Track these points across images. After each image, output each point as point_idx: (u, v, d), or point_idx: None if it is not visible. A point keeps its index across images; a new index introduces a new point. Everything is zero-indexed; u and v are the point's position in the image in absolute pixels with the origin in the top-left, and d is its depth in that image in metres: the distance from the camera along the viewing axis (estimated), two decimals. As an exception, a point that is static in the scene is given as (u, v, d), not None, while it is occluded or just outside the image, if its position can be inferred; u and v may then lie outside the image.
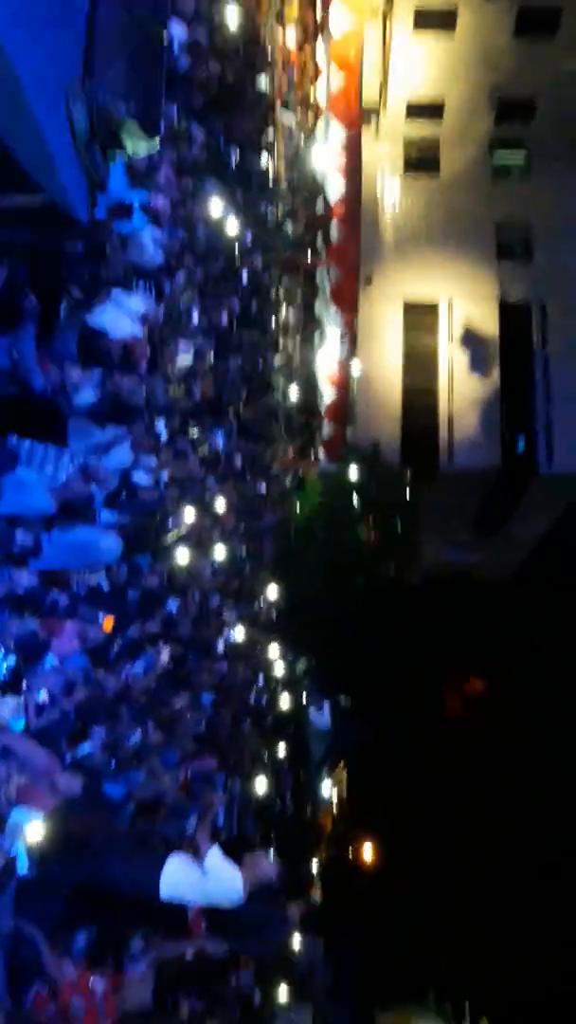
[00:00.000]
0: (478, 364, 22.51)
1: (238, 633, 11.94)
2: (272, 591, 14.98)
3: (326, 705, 17.90)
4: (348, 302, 19.48)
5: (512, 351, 22.67)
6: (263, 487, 14.26)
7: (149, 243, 8.21)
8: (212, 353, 10.66)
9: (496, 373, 22.59)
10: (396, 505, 18.79)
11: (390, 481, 19.42)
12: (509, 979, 19.96)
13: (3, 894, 5.07)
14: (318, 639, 18.33)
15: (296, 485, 19.44)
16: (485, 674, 22.75)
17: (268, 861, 5.33)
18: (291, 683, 17.65)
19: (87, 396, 7.13)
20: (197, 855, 5.30)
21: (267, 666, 15.01)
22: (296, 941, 15.12)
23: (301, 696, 18.88)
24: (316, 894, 20.22)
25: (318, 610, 17.70)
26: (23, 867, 5.10)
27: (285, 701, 16.64)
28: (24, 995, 5.25)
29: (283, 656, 16.18)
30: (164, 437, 8.86)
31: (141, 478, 8.06)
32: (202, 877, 5.14)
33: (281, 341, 16.89)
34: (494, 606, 22.86)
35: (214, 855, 5.19)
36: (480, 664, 22.78)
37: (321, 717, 18.22)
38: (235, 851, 5.64)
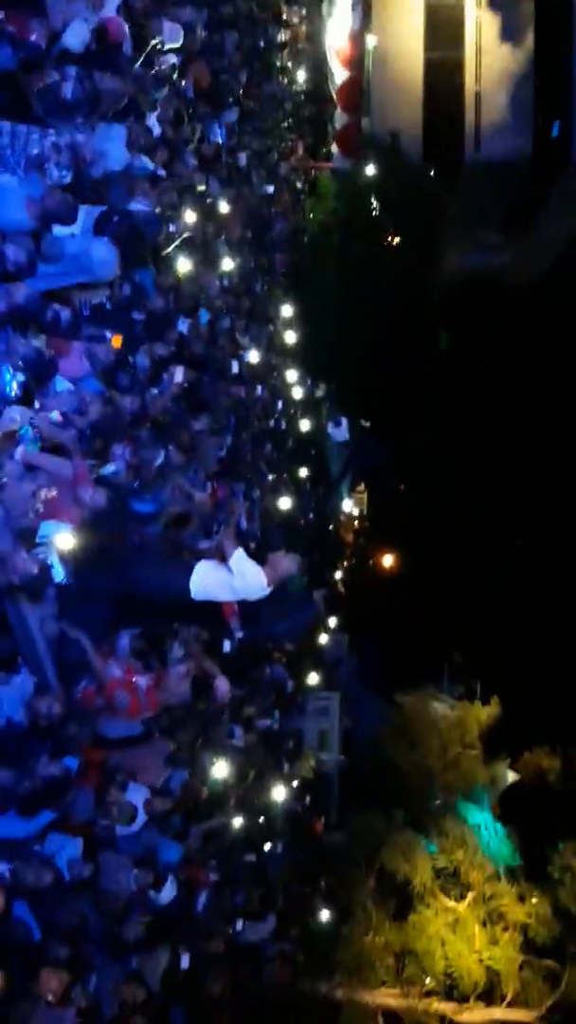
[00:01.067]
0: (510, 30, 19.44)
1: (253, 355, 11.59)
2: (287, 310, 14.35)
3: (344, 421, 17.85)
4: (360, -42, 16.51)
5: (550, 12, 19.51)
6: (271, 190, 13.05)
7: None
8: (203, 28, 9.21)
9: (530, 39, 19.60)
10: (418, 205, 17.13)
11: (411, 177, 17.55)
12: (517, 664, 22.01)
13: (44, 600, 5.30)
14: (337, 360, 17.81)
15: (308, 188, 17.80)
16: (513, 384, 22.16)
17: (289, 559, 5.55)
18: (310, 406, 17.58)
19: (78, 36, 6.14)
20: (223, 559, 5.49)
21: (285, 390, 14.85)
22: (323, 637, 16.59)
23: (321, 419, 18.92)
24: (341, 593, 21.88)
25: (336, 329, 16.95)
26: (59, 575, 5.27)
27: (305, 424, 16.72)
28: (73, 688, 5.71)
29: (301, 379, 15.94)
30: (157, 131, 7.89)
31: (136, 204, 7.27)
32: (229, 576, 5.38)
33: (283, 12, 14.56)
34: (521, 314, 21.88)
35: (239, 556, 5.40)
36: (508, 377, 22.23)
37: (339, 431, 18.26)
38: (259, 554, 5.85)
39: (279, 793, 10.10)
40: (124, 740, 6.74)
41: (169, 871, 6.48)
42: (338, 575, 22.21)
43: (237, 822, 8.49)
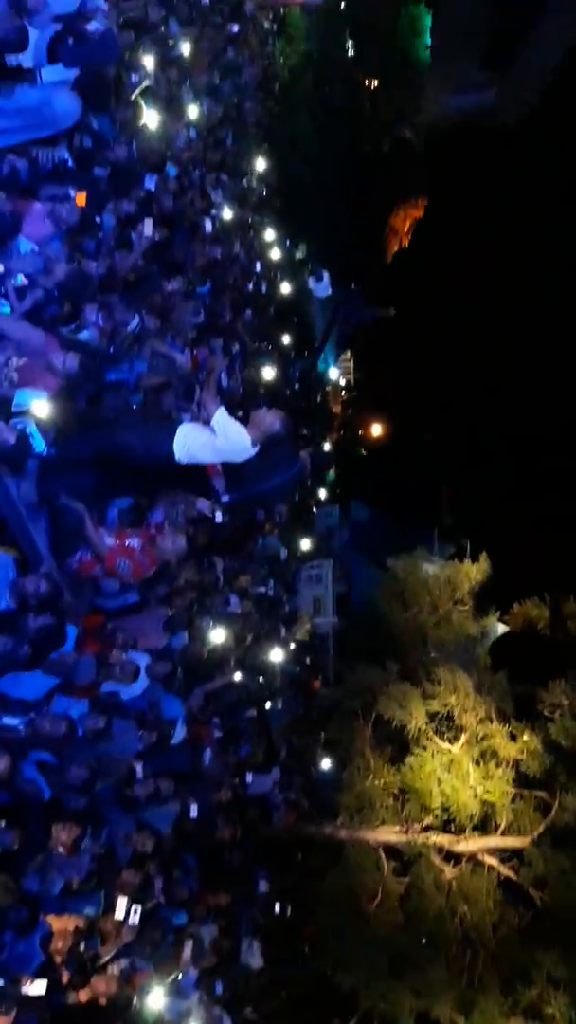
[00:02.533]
0: None
1: (226, 212, 10.96)
2: (260, 163, 13.51)
3: (325, 274, 17.08)
4: None
5: None
6: (236, 29, 12.01)
7: None
8: None
9: None
10: (394, 39, 15.85)
11: (387, 9, 16.15)
12: (504, 520, 22.30)
13: (25, 471, 5.20)
14: (316, 216, 16.92)
15: (277, 28, 16.36)
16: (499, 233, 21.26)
17: (273, 414, 5.41)
18: (290, 268, 16.86)
19: None
20: (206, 421, 5.36)
21: (263, 250, 14.17)
22: (313, 506, 16.64)
23: (302, 283, 18.18)
24: (330, 470, 21.87)
25: (314, 182, 16.01)
26: (39, 445, 5.16)
27: (286, 287, 16.07)
28: (68, 559, 5.70)
29: (279, 239, 15.19)
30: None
31: (91, 25, 6.63)
32: (212, 436, 5.26)
33: None
34: (508, 155, 20.72)
35: (221, 415, 5.25)
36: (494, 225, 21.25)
37: (322, 286, 17.53)
38: (241, 416, 5.72)
39: (277, 655, 10.38)
40: (121, 609, 6.85)
41: (174, 725, 6.71)
42: (327, 446, 22.09)
43: (238, 680, 8.76)
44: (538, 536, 21.08)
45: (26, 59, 6.02)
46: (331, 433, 24.69)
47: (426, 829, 11.36)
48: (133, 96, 7.75)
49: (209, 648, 7.83)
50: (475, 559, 17.11)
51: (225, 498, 5.62)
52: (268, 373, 13.21)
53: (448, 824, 11.45)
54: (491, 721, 11.77)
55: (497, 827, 11.30)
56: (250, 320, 12.95)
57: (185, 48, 9.11)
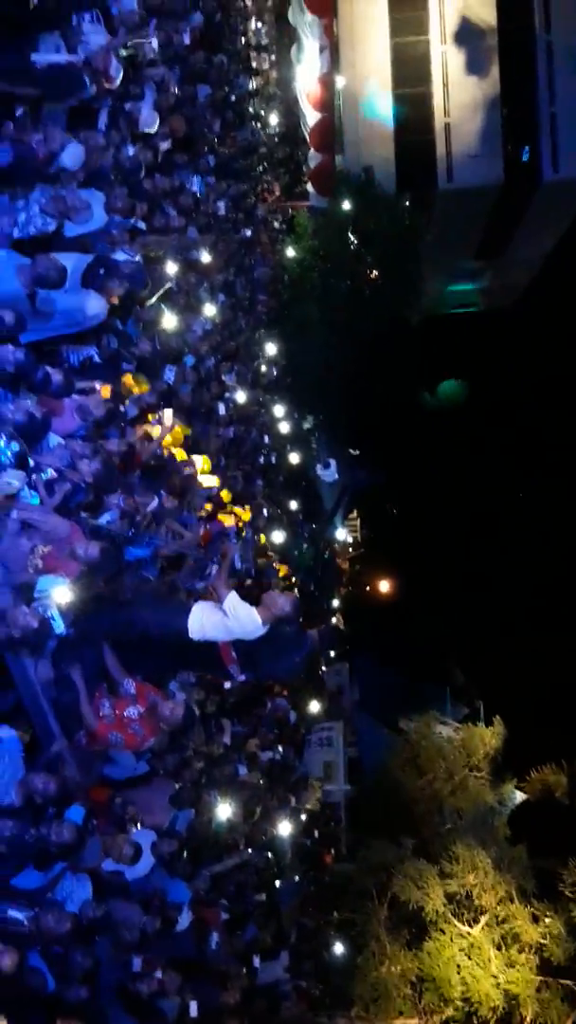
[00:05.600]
0: (475, 62, 20.09)
1: (240, 395, 11.80)
2: (271, 347, 14.61)
3: (332, 463, 18.18)
4: (324, 4, 16.96)
5: (512, 42, 20.17)
6: (249, 233, 13.36)
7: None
8: (175, 83, 9.52)
9: (495, 71, 20.26)
10: (395, 237, 17.53)
11: (387, 210, 17.99)
12: (519, 682, 22.08)
13: (42, 652, 5.43)
14: (323, 392, 18.10)
15: (286, 227, 18.17)
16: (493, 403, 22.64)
17: (283, 596, 5.68)
18: (299, 439, 17.80)
19: (73, 156, 6.55)
20: (218, 599, 5.64)
21: (273, 425, 15.07)
22: (323, 665, 16.66)
23: (310, 450, 19.13)
24: (340, 624, 21.96)
25: (321, 361, 17.26)
26: (59, 627, 5.41)
27: (294, 457, 16.91)
28: (75, 735, 5.81)
29: (288, 414, 16.16)
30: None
31: (120, 254, 7.53)
32: (224, 616, 5.52)
33: (253, 61, 15.00)
34: (500, 334, 22.31)
35: (232, 598, 5.54)
36: (487, 394, 22.67)
37: (329, 472, 18.61)
38: (255, 595, 6.00)
39: (286, 828, 10.13)
40: (127, 781, 6.84)
41: (179, 910, 6.53)
42: (336, 603, 22.29)
43: (246, 860, 8.54)
44: (554, 699, 20.78)
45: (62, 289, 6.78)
46: (339, 590, 24.95)
47: (446, 1022, 10.67)
48: (154, 299, 8.58)
49: (217, 824, 7.72)
50: (489, 721, 16.91)
51: (240, 678, 5.79)
52: (278, 537, 13.67)
53: (470, 1016, 10.76)
54: (512, 901, 11.32)
55: (523, 1020, 10.60)
56: (261, 489, 13.56)
57: (204, 254, 10.13)
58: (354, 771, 18.53)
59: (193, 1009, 6.13)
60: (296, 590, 14.65)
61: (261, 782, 9.98)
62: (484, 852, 11.88)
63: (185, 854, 6.87)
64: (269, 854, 9.57)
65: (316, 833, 13.57)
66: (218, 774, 8.59)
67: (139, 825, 6.48)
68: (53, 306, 6.74)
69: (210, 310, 10.22)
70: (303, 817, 12.23)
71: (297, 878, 10.97)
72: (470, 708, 21.35)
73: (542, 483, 23.07)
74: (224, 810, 7.79)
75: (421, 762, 15.52)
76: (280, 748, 12.01)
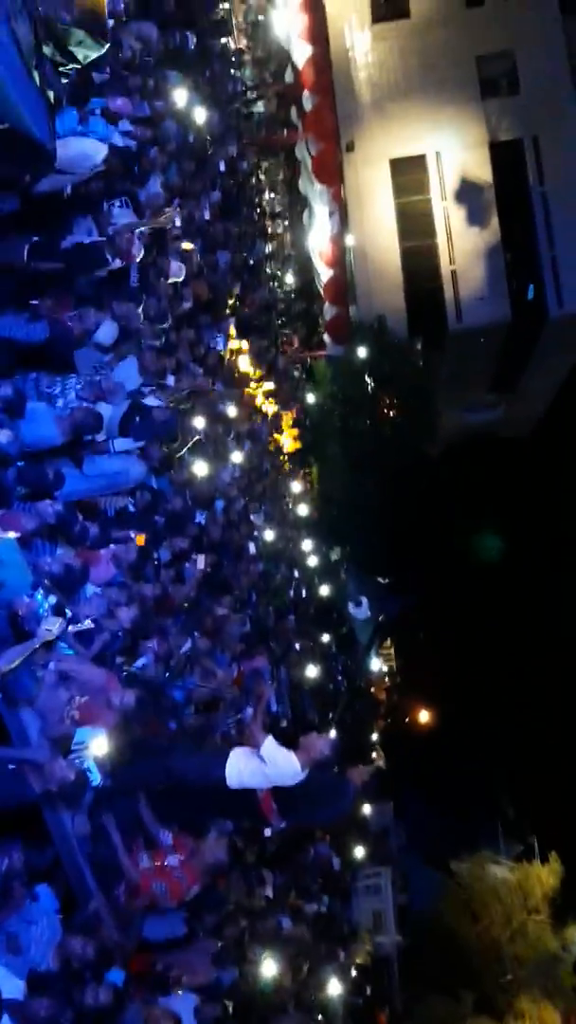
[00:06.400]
0: (475, 215, 21.60)
1: (268, 534, 12.13)
2: (296, 487, 15.09)
3: (364, 600, 18.41)
4: (331, 173, 18.60)
5: (509, 195, 21.70)
6: (272, 385, 14.13)
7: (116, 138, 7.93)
8: (198, 252, 10.41)
9: (495, 221, 21.70)
10: (410, 378, 18.45)
11: (401, 354, 19.02)
12: (573, 814, 21.05)
13: (79, 806, 5.43)
14: (349, 526, 18.51)
15: (306, 375, 19.20)
16: (515, 530, 22.90)
17: (322, 739, 5.67)
18: (327, 571, 18.03)
19: (108, 333, 7.17)
20: (255, 745, 5.64)
21: (302, 559, 15.33)
22: (366, 807, 16.09)
23: (340, 581, 19.31)
24: (380, 760, 21.32)
25: (345, 496, 17.79)
26: (96, 779, 5.44)
27: (324, 589, 17.07)
28: (113, 892, 5.71)
29: (316, 548, 16.47)
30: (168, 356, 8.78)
31: (152, 400, 8.07)
32: (261, 763, 5.50)
33: (268, 227, 16.34)
34: (520, 462, 22.82)
35: (269, 744, 5.53)
36: (509, 520, 22.93)
37: (361, 610, 18.81)
38: (292, 736, 6.00)
39: (336, 985, 9.56)
40: (168, 943, 6.61)
41: None
42: (375, 737, 21.73)
43: (295, 1022, 8.05)
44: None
45: (99, 435, 7.26)
46: (378, 721, 24.35)
47: None
48: (184, 451, 9.05)
49: (262, 984, 7.35)
50: (545, 858, 16.05)
51: (280, 825, 5.70)
52: (312, 671, 13.60)
53: None
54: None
55: None
56: (293, 624, 13.63)
57: (230, 408, 10.73)
58: (405, 919, 17.47)
59: None
60: (333, 726, 14.38)
61: (307, 936, 9.51)
62: (551, 1006, 11.06)
63: (231, 1017, 6.54)
64: (319, 1016, 9.00)
65: (368, 990, 12.71)
66: (261, 929, 8.23)
67: (181, 990, 6.21)
68: (99, 469, 7.19)
69: (237, 457, 10.70)
70: (353, 973, 11.52)
71: (350, 1044, 10.22)
72: (524, 844, 20.30)
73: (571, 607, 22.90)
74: (269, 967, 7.44)
75: (476, 906, 14.73)
76: (325, 898, 11.50)
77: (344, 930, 12.48)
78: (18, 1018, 4.49)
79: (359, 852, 14.69)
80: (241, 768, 5.71)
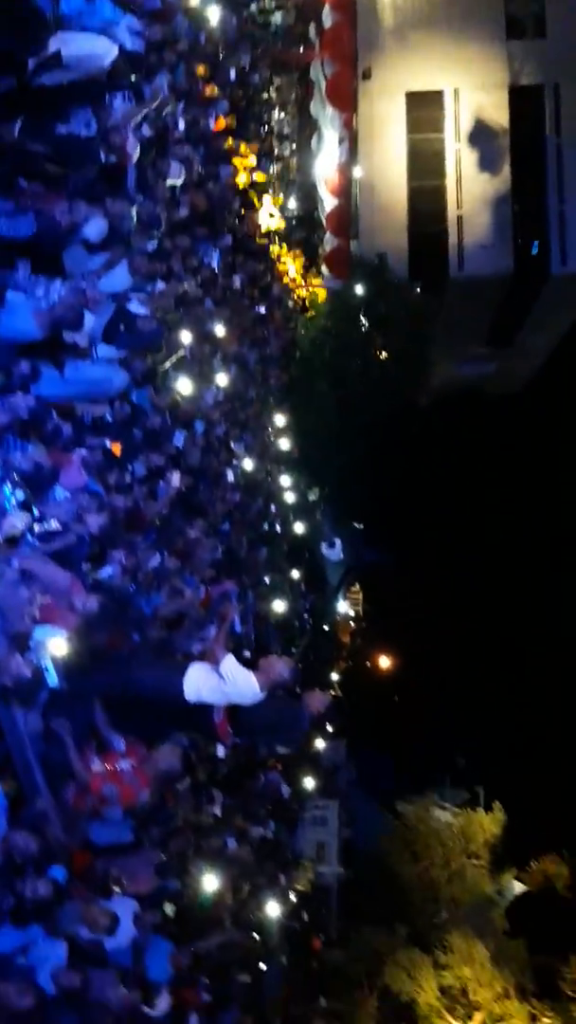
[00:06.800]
0: (488, 160, 21.02)
1: (247, 463, 11.97)
2: (280, 419, 14.87)
3: (338, 542, 18.34)
4: (345, 98, 17.91)
5: (524, 143, 21.12)
6: (264, 309, 13.77)
7: (125, 37, 7.49)
8: (200, 162, 10.00)
9: (507, 169, 21.15)
10: (406, 321, 18.09)
11: (399, 296, 18.61)
12: (521, 769, 21.59)
13: (33, 704, 5.37)
14: (330, 466, 18.35)
15: (300, 307, 18.78)
16: (501, 487, 22.85)
17: (282, 662, 5.63)
18: (304, 510, 17.94)
19: (96, 229, 6.85)
20: (215, 662, 5.58)
21: (280, 494, 15.21)
22: (319, 742, 16.34)
23: (316, 522, 19.25)
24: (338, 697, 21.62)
25: (328, 436, 17.58)
26: (52, 679, 5.36)
27: (299, 527, 17.01)
28: (61, 792, 5.69)
29: (295, 484, 16.34)
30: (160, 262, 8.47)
31: (138, 307, 7.79)
32: (220, 681, 5.45)
33: (275, 148, 15.76)
34: (509, 419, 22.69)
35: (229, 662, 5.49)
36: (496, 480, 22.90)
37: (334, 552, 18.78)
38: (254, 656, 5.96)
39: (275, 908, 9.78)
40: (113, 848, 6.64)
41: (159, 989, 6.25)
42: (335, 676, 21.99)
43: (231, 938, 8.21)
44: (557, 787, 20.25)
45: (81, 339, 7.00)
46: (339, 663, 24.64)
47: None
48: (167, 365, 8.80)
49: (203, 898, 7.46)
50: (489, 807, 16.45)
51: (233, 741, 5.69)
52: (279, 606, 13.61)
53: None
54: (509, 998, 10.84)
55: None
56: (265, 556, 13.58)
57: (219, 326, 10.43)
58: (348, 853, 17.95)
59: None
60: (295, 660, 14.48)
61: (250, 858, 9.68)
62: (481, 944, 11.45)
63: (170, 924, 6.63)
64: (256, 934, 9.21)
65: (306, 916, 13.06)
66: (206, 846, 8.34)
67: (122, 891, 6.26)
68: (81, 375, 6.96)
69: (222, 379, 10.46)
70: (293, 898, 11.80)
71: (284, 962, 10.51)
72: (470, 793, 20.81)
73: (546, 569, 23.08)
74: (210, 883, 7.54)
75: (418, 847, 15.09)
76: (272, 824, 11.69)
77: (287, 856, 12.75)
78: None
79: (309, 784, 14.94)
80: (200, 684, 5.66)
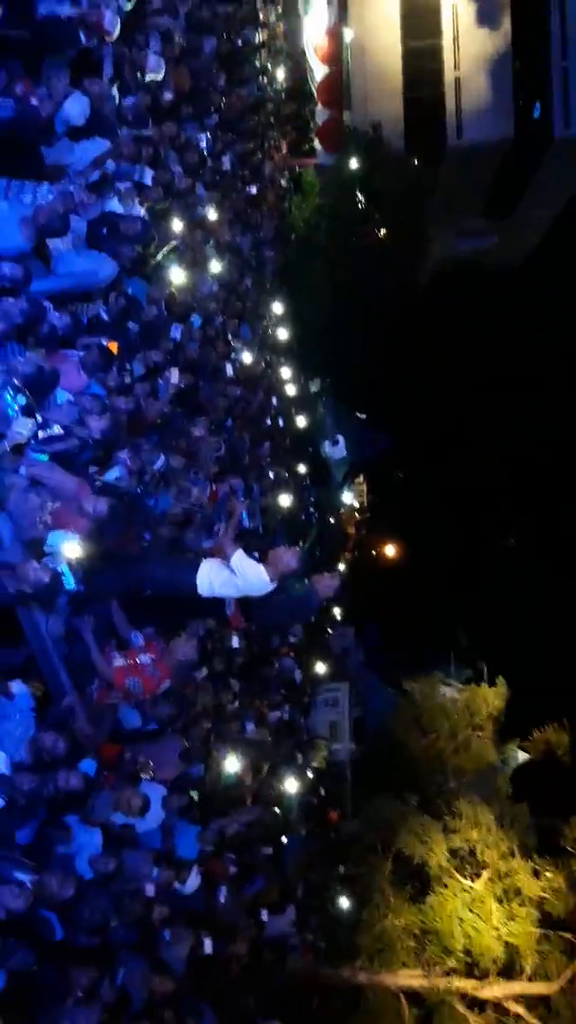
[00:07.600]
0: (486, 15, 19.60)
1: (246, 356, 11.72)
2: (277, 307, 14.46)
3: (341, 439, 18.13)
4: (333, -47, 16.57)
5: (524, -5, 19.67)
6: (255, 190, 13.15)
7: None
8: (180, 33, 9.32)
9: (507, 24, 19.75)
10: (402, 195, 17.25)
11: (395, 167, 17.69)
12: (521, 644, 22.21)
13: (54, 606, 5.47)
14: (330, 353, 17.95)
15: (293, 185, 17.93)
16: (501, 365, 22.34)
17: (290, 552, 5.72)
18: (306, 403, 17.72)
19: (78, 109, 6.52)
20: (225, 557, 5.68)
21: (280, 387, 14.98)
22: (329, 628, 16.78)
23: (317, 414, 19.04)
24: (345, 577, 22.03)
25: (327, 322, 17.09)
26: (70, 583, 5.43)
27: (301, 420, 16.85)
28: (88, 687, 5.88)
29: (296, 375, 16.07)
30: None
31: (119, 206, 7.45)
32: (232, 575, 5.56)
33: (260, 13, 14.65)
34: (510, 296, 22.01)
35: (239, 556, 5.61)
36: (496, 358, 22.41)
37: (338, 449, 18.60)
38: (262, 550, 6.04)
39: (293, 785, 10.27)
40: (138, 734, 6.92)
41: (189, 866, 6.64)
42: (341, 567, 22.32)
43: (253, 815, 8.66)
44: (557, 660, 20.92)
45: (64, 244, 6.73)
46: (345, 554, 24.98)
47: (448, 973, 10.91)
48: (160, 256, 8.48)
49: (225, 779, 7.82)
50: (493, 683, 17.01)
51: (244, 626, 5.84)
52: (285, 500, 13.64)
53: (472, 968, 11.00)
54: (513, 856, 11.50)
55: (523, 972, 10.85)
56: (268, 451, 13.51)
57: (210, 212, 10.00)
58: (359, 731, 18.73)
59: (208, 946, 6.27)
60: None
61: (268, 739, 10.10)
62: (487, 809, 12.06)
63: (195, 807, 6.97)
64: (276, 810, 9.71)
65: (322, 791, 13.76)
66: (226, 731, 8.69)
67: (150, 776, 6.56)
68: (68, 267, 6.73)
69: (216, 268, 10.11)
70: (309, 775, 12.39)
71: (303, 834, 11.13)
72: (474, 670, 21.50)
73: (548, 449, 22.96)
74: (232, 764, 7.89)
75: (425, 722, 15.67)
76: (287, 707, 12.14)
77: (303, 736, 13.31)
78: (6, 788, 4.73)
79: (320, 668, 15.45)
80: (212, 579, 5.79)
